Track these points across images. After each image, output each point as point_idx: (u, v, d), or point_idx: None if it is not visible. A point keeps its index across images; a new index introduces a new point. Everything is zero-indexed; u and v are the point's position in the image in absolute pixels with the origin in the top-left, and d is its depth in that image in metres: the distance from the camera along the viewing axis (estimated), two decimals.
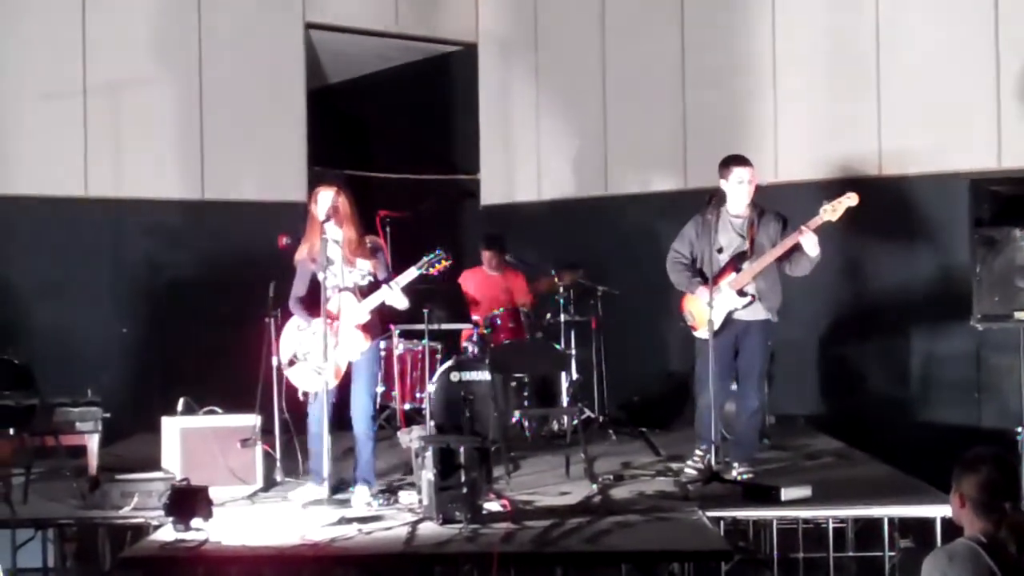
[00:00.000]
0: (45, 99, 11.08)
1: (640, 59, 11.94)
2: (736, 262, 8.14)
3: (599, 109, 12.19)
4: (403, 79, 13.65)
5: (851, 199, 7.86)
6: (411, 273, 7.60)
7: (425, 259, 7.64)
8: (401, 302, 7.65)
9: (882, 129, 10.61)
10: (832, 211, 7.86)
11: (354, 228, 7.65)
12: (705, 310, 8.05)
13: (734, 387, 8.56)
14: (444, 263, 7.65)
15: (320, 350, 7.50)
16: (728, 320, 8.14)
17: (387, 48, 13.07)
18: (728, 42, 11.45)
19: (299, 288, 7.81)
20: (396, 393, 10.37)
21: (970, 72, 10.31)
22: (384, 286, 7.58)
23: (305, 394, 7.85)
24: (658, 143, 11.71)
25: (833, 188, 10.68)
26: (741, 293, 8.10)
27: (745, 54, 11.32)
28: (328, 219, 7.49)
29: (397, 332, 10.40)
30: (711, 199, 8.15)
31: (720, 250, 8.19)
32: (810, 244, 7.88)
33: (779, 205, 8.37)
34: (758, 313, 8.05)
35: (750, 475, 8.06)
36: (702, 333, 8.17)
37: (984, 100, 10.25)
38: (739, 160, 8.20)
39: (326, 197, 7.56)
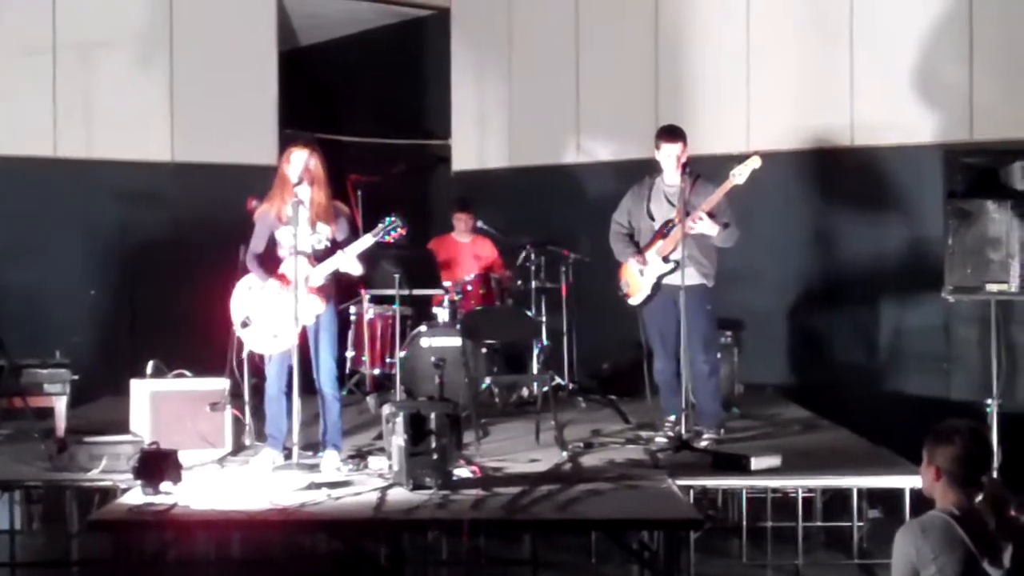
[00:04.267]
0: (13, 58, 10.98)
1: (613, 26, 11.89)
2: (663, 230, 8.28)
3: (571, 76, 12.13)
4: (375, 43, 13.57)
5: (755, 162, 8.03)
6: (366, 240, 7.49)
7: (380, 227, 7.52)
8: (355, 269, 7.55)
9: (854, 100, 10.59)
10: (739, 175, 8.01)
11: (324, 191, 7.55)
12: (636, 278, 8.38)
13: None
14: (400, 231, 7.55)
15: (272, 312, 7.51)
16: (660, 287, 8.30)
17: (360, 11, 12.99)
18: (702, 11, 11.41)
19: (258, 245, 7.65)
20: (366, 358, 10.32)
21: (943, 43, 10.29)
22: (339, 252, 7.48)
23: (261, 357, 7.80)
24: (630, 110, 11.66)
25: (805, 158, 10.76)
26: (666, 260, 8.21)
27: (718, 22, 11.28)
28: (300, 181, 7.40)
29: (367, 297, 10.33)
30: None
31: (653, 219, 8.36)
32: (704, 227, 8.06)
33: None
34: (691, 278, 8.05)
35: (710, 442, 8.11)
36: (634, 300, 8.47)
37: (957, 71, 10.25)
38: (667, 136, 8.34)
39: (299, 157, 7.45)
